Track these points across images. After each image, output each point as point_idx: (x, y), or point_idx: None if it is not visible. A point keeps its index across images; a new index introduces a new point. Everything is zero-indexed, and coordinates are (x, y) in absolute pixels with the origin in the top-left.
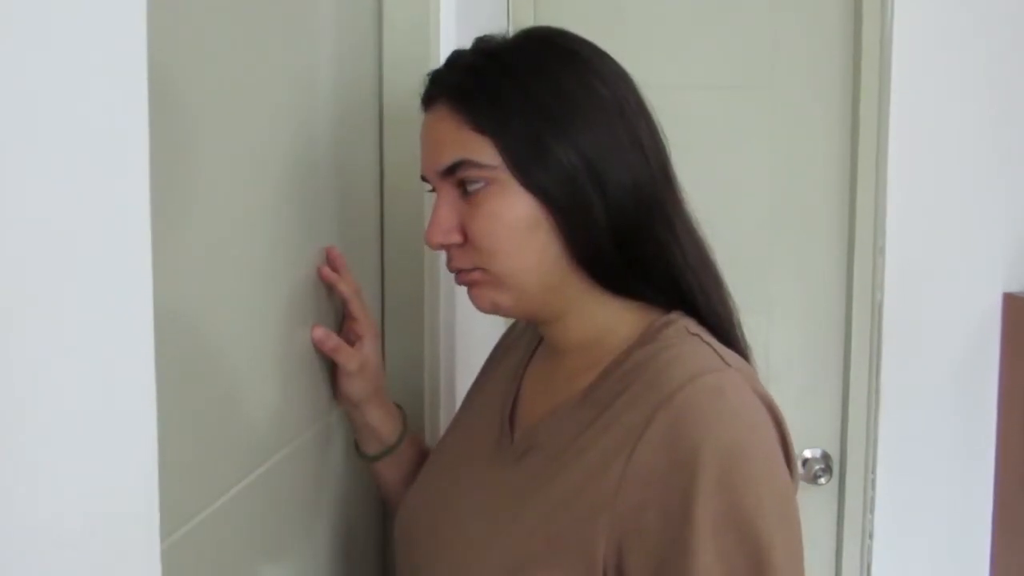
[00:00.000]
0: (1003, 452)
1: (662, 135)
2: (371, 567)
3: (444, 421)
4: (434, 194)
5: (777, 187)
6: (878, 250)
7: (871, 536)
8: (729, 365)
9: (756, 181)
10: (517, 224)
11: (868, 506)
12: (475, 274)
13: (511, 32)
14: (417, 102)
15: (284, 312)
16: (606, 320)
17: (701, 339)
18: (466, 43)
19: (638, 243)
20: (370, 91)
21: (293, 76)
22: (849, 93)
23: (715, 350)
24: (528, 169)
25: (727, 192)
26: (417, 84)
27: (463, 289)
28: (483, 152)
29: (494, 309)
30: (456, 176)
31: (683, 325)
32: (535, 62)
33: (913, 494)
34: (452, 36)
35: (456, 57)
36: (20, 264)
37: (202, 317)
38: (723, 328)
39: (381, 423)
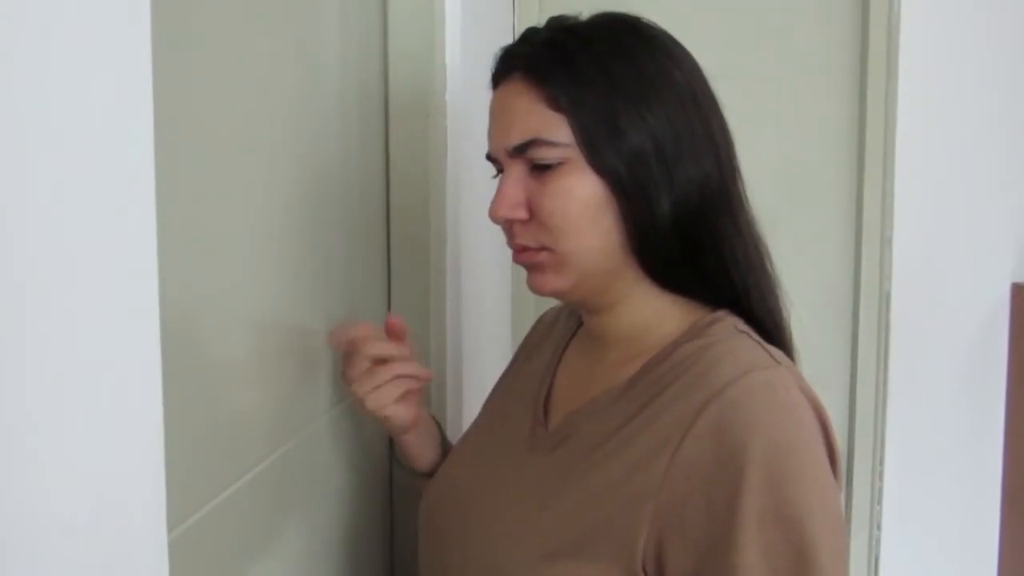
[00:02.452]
0: (1011, 442)
1: (729, 130)
2: (378, 558)
3: (451, 416)
4: (496, 179)
5: (784, 178)
6: (886, 241)
7: (879, 527)
8: (779, 363)
9: (763, 172)
10: (588, 204)
11: (876, 497)
12: (542, 255)
13: (518, 26)
14: (420, 100)
15: (291, 304)
16: (653, 313)
17: (750, 337)
18: (471, 38)
19: (698, 236)
20: (375, 86)
21: (297, 70)
22: (856, 83)
23: (764, 348)
24: (599, 150)
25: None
26: (422, 83)
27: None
28: (556, 130)
29: (553, 293)
30: (527, 155)
31: (731, 322)
32: (615, 42)
33: (921, 485)
34: (457, 31)
35: (532, 33)
36: (28, 259)
37: (208, 309)
38: (772, 328)
39: (427, 433)
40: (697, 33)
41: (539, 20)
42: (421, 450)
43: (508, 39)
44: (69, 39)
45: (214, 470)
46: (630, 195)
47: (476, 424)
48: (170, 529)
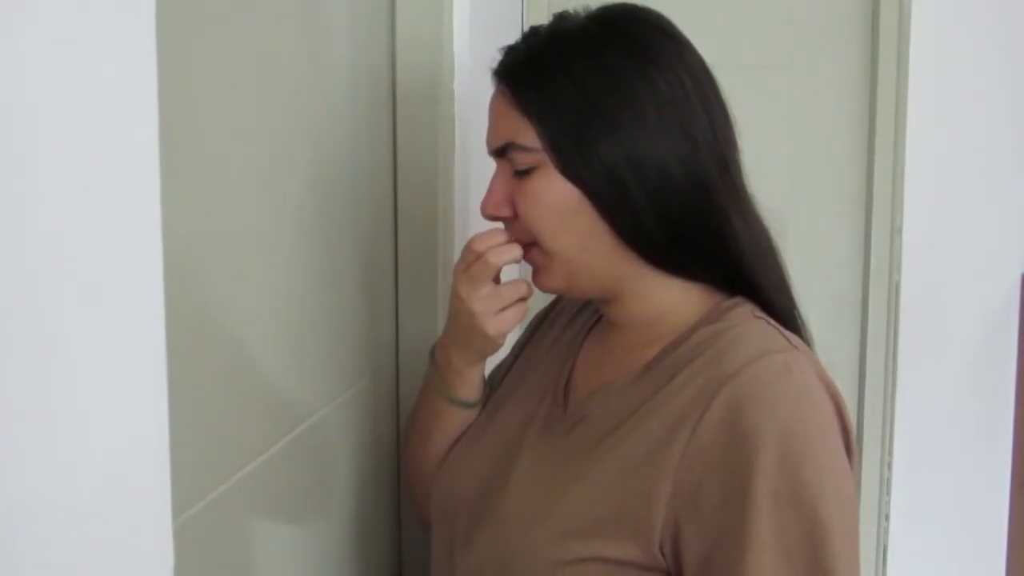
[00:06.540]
0: (1020, 433)
1: (731, 119)
2: (387, 544)
3: None
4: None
5: (794, 167)
6: (896, 230)
7: (887, 518)
8: (796, 347)
9: (773, 161)
10: (558, 207)
11: (884, 488)
12: (532, 252)
13: (527, 13)
14: (429, 89)
15: (299, 291)
16: (668, 300)
17: (767, 322)
18: (479, 26)
19: (690, 229)
20: (383, 74)
21: (305, 59)
22: (867, 72)
23: (782, 333)
24: (567, 157)
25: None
26: (430, 71)
27: None
28: (527, 136)
29: (551, 291)
30: (506, 156)
31: (748, 308)
32: (593, 49)
33: (929, 476)
34: (465, 19)
35: (529, 34)
36: (37, 245)
37: (216, 295)
38: (785, 314)
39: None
40: (706, 23)
41: (548, 8)
42: (480, 378)
43: (516, 27)
44: (74, 32)
45: (221, 457)
46: (603, 200)
47: (492, 404)
48: (175, 516)
